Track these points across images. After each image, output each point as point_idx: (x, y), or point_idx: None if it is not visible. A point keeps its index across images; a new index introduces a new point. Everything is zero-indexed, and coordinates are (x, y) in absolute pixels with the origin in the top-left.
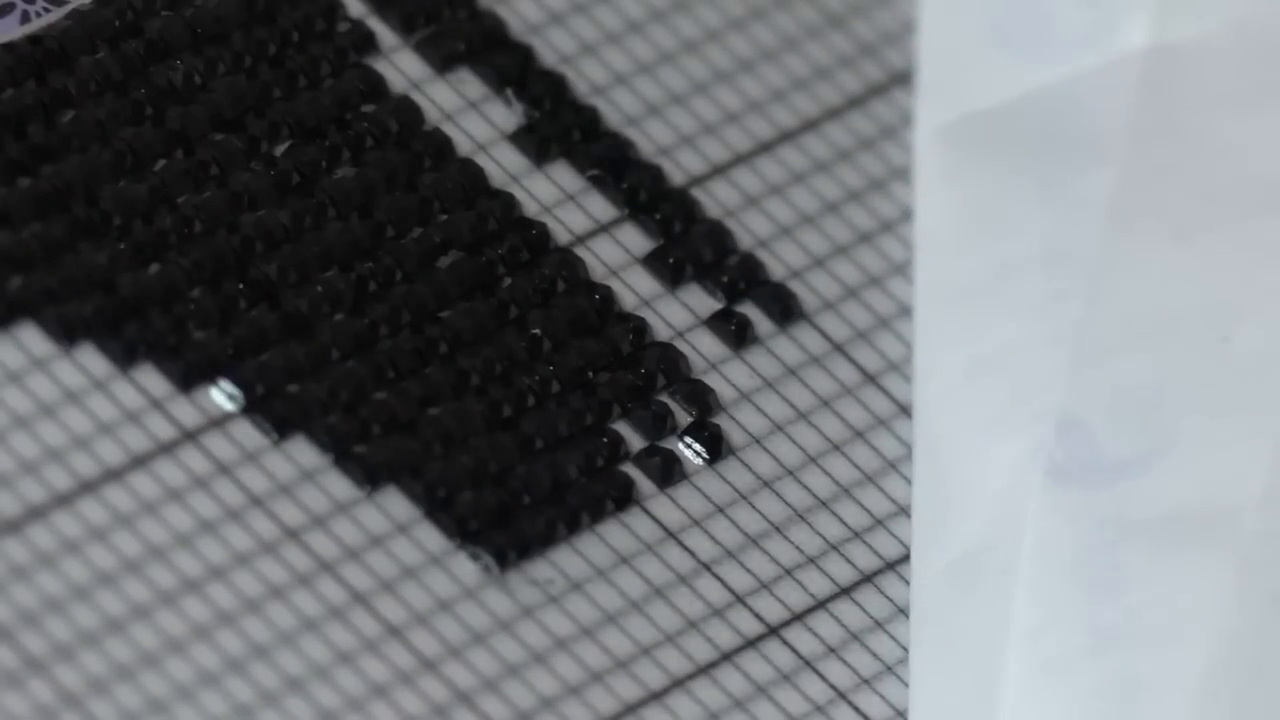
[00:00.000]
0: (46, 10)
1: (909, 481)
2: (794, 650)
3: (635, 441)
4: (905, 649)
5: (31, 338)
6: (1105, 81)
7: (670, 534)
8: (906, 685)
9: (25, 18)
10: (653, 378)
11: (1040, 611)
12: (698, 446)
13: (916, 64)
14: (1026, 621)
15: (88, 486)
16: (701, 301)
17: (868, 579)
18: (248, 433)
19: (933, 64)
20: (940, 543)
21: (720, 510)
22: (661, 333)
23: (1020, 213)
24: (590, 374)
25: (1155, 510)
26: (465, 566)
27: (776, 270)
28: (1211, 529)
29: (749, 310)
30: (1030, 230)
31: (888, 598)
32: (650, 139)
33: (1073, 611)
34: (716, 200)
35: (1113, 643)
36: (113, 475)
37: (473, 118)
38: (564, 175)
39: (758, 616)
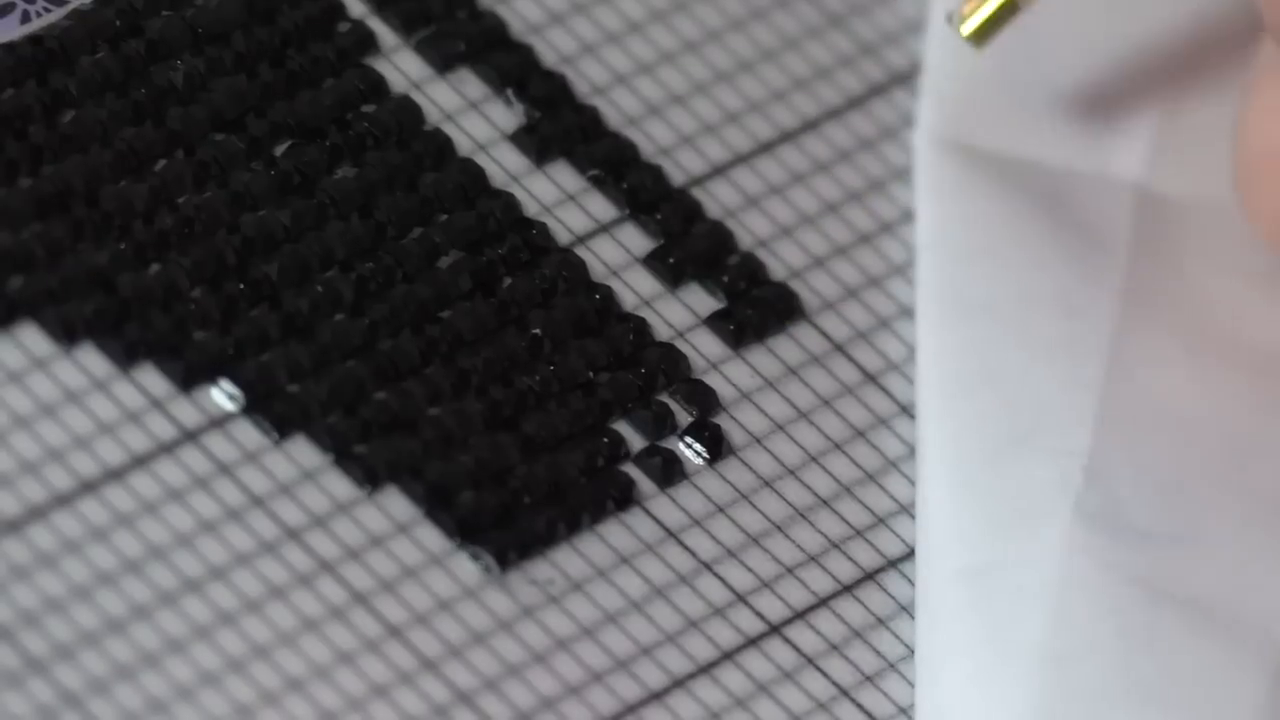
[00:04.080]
0: (47, 10)
1: (910, 480)
2: (796, 648)
3: (636, 441)
4: (908, 646)
5: (32, 338)
6: (1101, 194)
7: (671, 534)
8: (909, 682)
9: (25, 18)
10: (653, 378)
11: (1071, 641)
12: (698, 446)
13: (920, 64)
14: (1056, 648)
15: (88, 486)
16: (702, 301)
17: (870, 576)
18: (248, 433)
19: (939, 62)
20: (953, 545)
21: (721, 510)
22: (662, 333)
23: (1035, 248)
24: (591, 374)
25: (1187, 589)
26: (465, 566)
27: (777, 270)
28: (1244, 631)
29: (749, 310)
30: (1049, 279)
31: (890, 595)
32: (651, 139)
33: (1107, 653)
34: (717, 200)
35: (1146, 700)
36: (113, 475)
37: (473, 118)
38: (564, 175)
39: (759, 615)
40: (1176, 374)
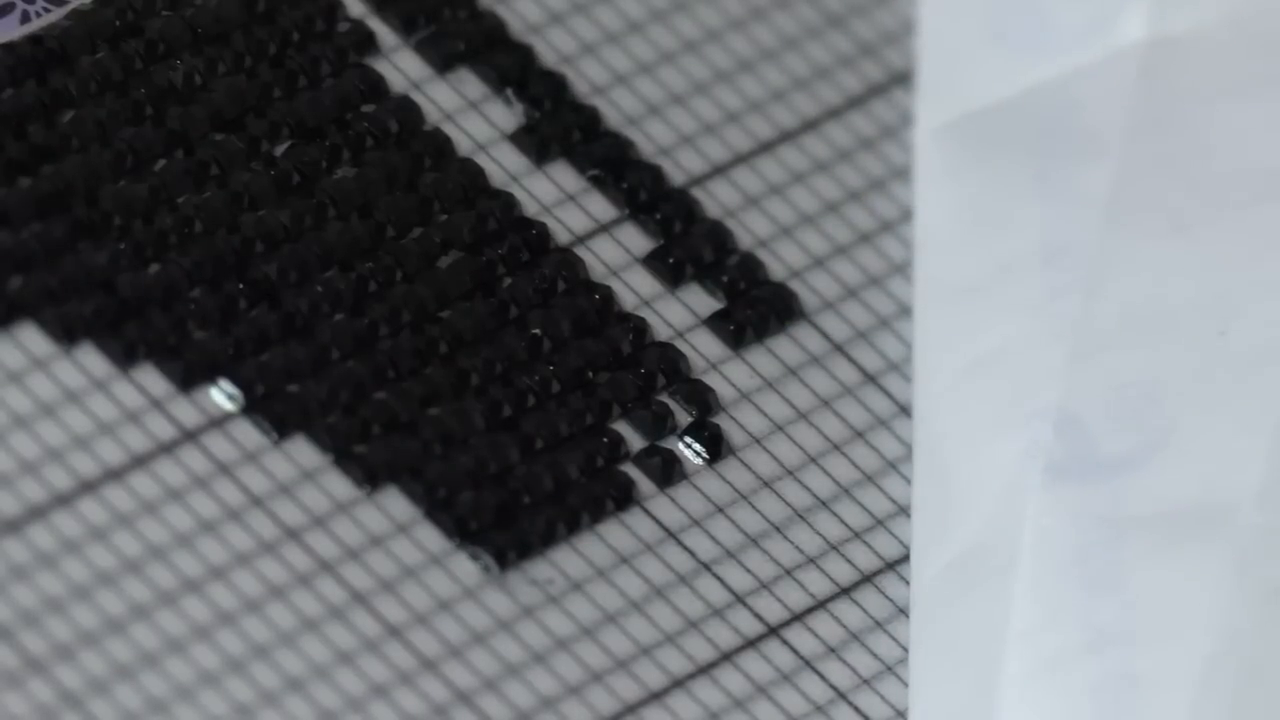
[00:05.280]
0: (46, 10)
1: (909, 481)
2: (794, 650)
3: (635, 441)
4: (905, 649)
5: (32, 338)
6: (1103, 75)
7: (670, 534)
8: (906, 685)
9: (25, 17)
10: (653, 378)
11: (1039, 610)
12: (697, 446)
13: (916, 64)
14: (1026, 620)
15: (88, 486)
16: (701, 301)
17: (868, 579)
18: (248, 433)
19: (932, 64)
20: (940, 543)
21: (720, 510)
22: (661, 333)
23: (1018, 209)
24: (590, 374)
25: (1153, 507)
26: (465, 566)
27: (777, 270)
28: (1209, 524)
29: (749, 310)
30: (1028, 227)
31: (888, 598)
32: (650, 139)
33: (1072, 609)
34: (717, 200)
35: (1111, 640)
36: (113, 475)
37: (473, 118)
38: (564, 175)
39: (757, 616)
40: (1162, 254)
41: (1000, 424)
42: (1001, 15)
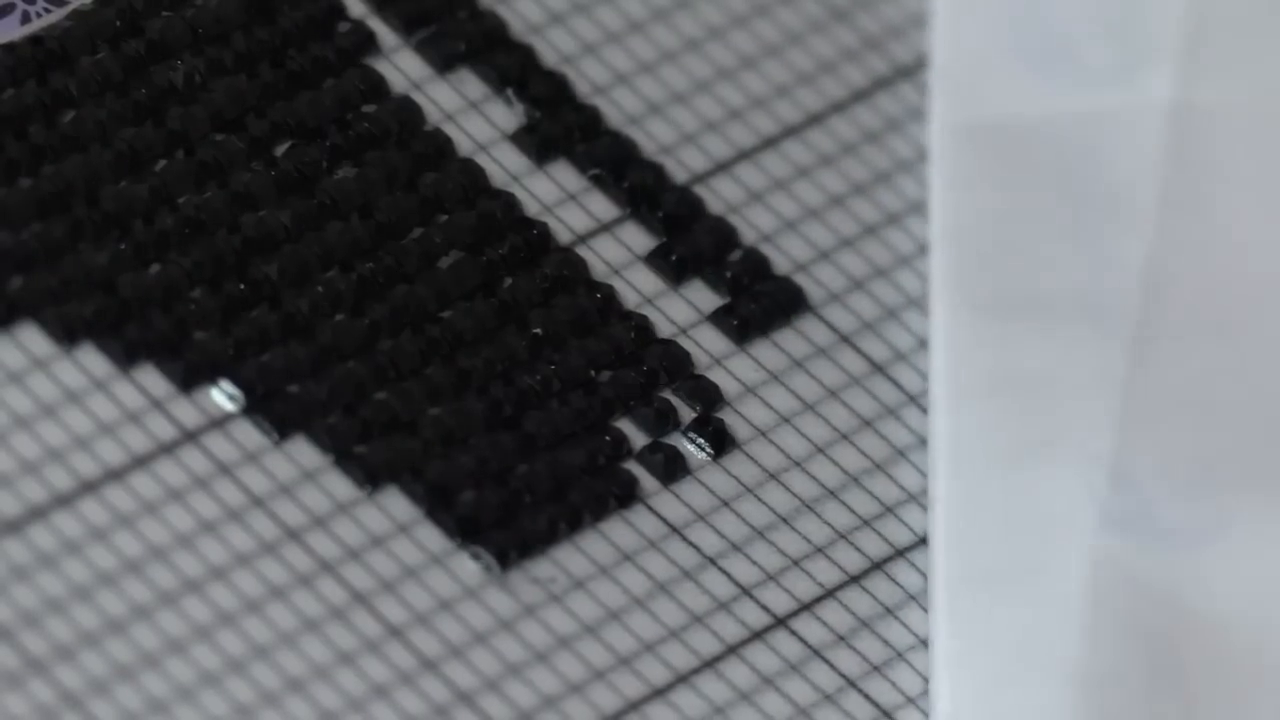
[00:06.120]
0: (47, 10)
1: (918, 469)
2: (802, 640)
3: (639, 439)
4: (915, 635)
5: (32, 338)
6: (1128, 127)
7: (674, 529)
8: (917, 671)
9: (26, 18)
10: (655, 375)
11: (1103, 665)
12: (701, 442)
13: (931, 51)
14: (1090, 671)
15: (88, 487)
16: (705, 297)
17: (877, 566)
18: (248, 433)
19: (948, 57)
20: (971, 543)
21: (725, 504)
22: (665, 330)
23: (1054, 249)
24: (592, 372)
25: (1213, 600)
26: (466, 566)
27: (781, 265)
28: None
29: (753, 305)
30: (1066, 271)
31: (898, 584)
32: (652, 137)
33: (1137, 683)
34: (719, 197)
35: None
36: (113, 475)
37: (473, 118)
38: (565, 175)
39: (764, 608)
40: (1204, 350)
41: (1047, 453)
42: (1023, 30)
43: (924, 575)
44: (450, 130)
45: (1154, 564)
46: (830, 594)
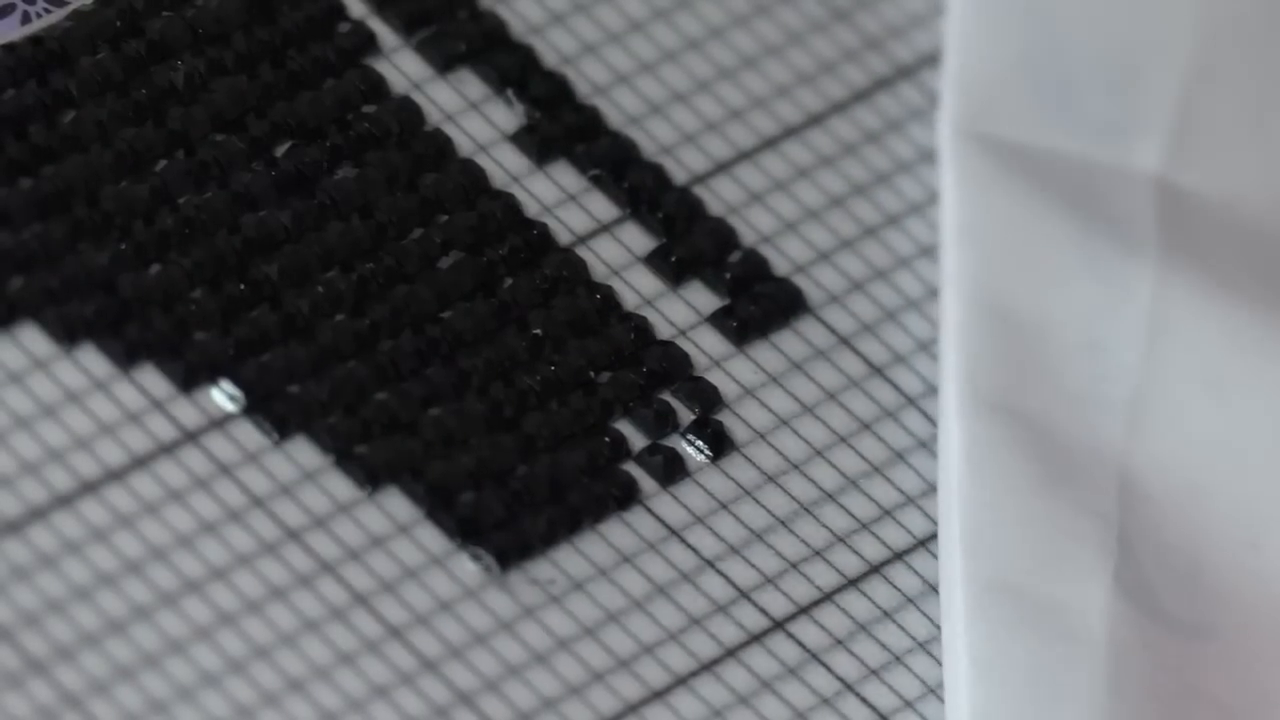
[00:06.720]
0: (47, 11)
1: (918, 473)
2: (800, 643)
3: (638, 441)
4: (914, 639)
5: (32, 338)
6: (1123, 188)
7: (673, 531)
8: (915, 675)
9: (26, 18)
10: (655, 376)
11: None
12: (700, 444)
13: (930, 56)
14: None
15: (88, 487)
16: (704, 298)
17: (876, 569)
18: (248, 433)
19: (959, 60)
20: (985, 556)
21: (724, 506)
22: (664, 331)
23: (1069, 279)
24: (592, 373)
25: (1214, 690)
26: (466, 567)
27: (781, 266)
28: None
29: (752, 306)
30: (1076, 307)
31: (897, 588)
32: (652, 138)
33: None
34: (719, 197)
35: None
36: (113, 476)
37: (474, 118)
38: (565, 175)
39: (763, 611)
40: (1196, 427)
41: (1060, 491)
42: (1034, 63)
43: (923, 579)
44: (450, 131)
45: (1164, 639)
46: (829, 597)
